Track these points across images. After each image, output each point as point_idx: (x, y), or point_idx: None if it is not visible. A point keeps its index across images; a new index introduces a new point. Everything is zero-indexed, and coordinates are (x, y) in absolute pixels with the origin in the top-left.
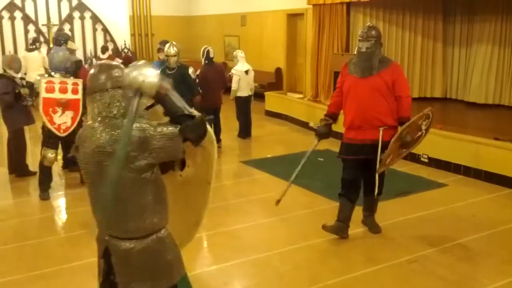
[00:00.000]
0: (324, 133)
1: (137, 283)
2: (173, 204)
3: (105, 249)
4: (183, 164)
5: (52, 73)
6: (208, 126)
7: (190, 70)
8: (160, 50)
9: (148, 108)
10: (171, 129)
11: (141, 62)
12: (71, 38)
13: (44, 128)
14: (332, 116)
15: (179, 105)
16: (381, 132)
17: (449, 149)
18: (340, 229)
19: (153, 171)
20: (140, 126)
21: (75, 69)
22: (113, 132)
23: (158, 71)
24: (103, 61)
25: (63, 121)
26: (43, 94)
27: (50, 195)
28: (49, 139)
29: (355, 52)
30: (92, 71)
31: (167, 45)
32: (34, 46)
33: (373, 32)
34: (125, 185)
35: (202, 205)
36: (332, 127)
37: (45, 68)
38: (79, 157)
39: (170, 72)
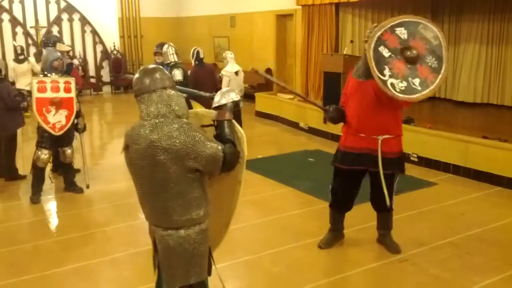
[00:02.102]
0: (334, 117)
1: (175, 268)
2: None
3: (154, 241)
4: None
5: (48, 74)
6: (237, 125)
7: (177, 72)
8: (157, 53)
9: (204, 126)
10: (216, 145)
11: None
12: (61, 39)
13: (39, 128)
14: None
15: (231, 133)
16: (379, 141)
17: (438, 148)
18: (336, 238)
19: (200, 173)
20: (191, 126)
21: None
22: (165, 128)
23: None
24: (145, 66)
25: (57, 120)
26: (36, 94)
27: (40, 199)
28: (44, 139)
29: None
30: (136, 75)
31: (165, 45)
32: (23, 57)
33: None
34: (173, 181)
35: (233, 205)
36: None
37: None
38: (128, 155)
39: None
